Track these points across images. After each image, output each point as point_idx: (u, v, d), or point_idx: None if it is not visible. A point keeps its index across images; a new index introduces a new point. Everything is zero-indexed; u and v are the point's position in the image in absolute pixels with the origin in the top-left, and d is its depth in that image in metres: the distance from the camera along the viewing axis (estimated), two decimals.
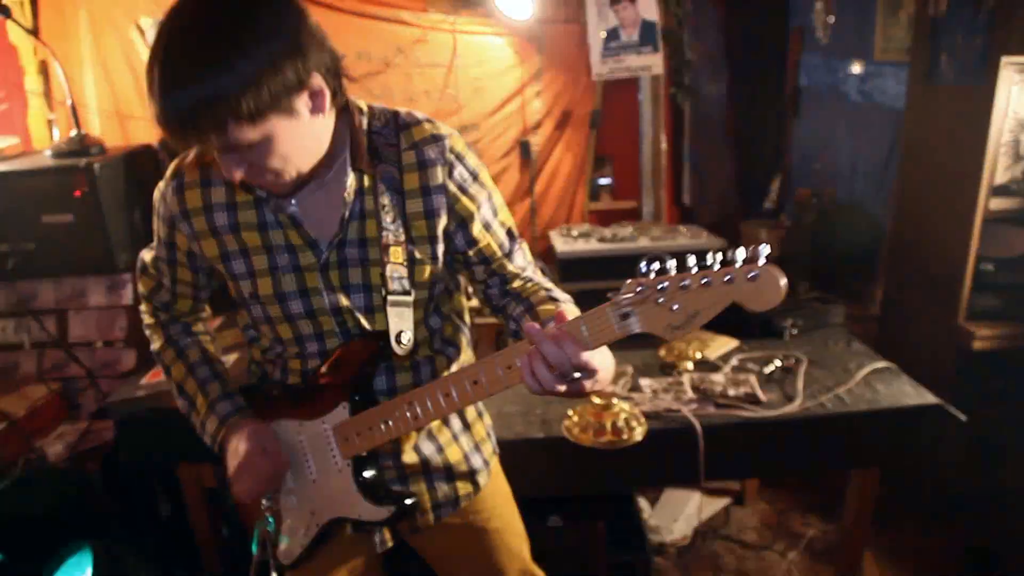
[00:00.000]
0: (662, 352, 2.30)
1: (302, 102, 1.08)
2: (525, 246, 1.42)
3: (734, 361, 2.26)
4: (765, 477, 3.13)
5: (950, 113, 2.77)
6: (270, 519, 1.39)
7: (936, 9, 2.78)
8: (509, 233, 1.37)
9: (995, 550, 2.78)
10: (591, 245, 2.60)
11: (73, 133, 2.34)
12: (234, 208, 1.26)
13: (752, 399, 2.03)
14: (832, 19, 4.54)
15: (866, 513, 2.20)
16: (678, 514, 3.07)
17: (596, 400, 1.94)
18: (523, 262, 1.39)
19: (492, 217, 1.34)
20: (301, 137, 1.12)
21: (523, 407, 2.05)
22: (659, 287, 0.95)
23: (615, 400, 1.96)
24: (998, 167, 2.63)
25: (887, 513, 3.03)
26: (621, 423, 1.91)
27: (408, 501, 1.34)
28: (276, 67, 1.02)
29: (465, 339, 1.48)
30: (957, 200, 2.71)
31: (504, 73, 2.96)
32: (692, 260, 0.94)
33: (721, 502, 3.21)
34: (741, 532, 3.04)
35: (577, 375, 1.04)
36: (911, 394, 2.03)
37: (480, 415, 1.55)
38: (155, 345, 1.47)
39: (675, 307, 0.95)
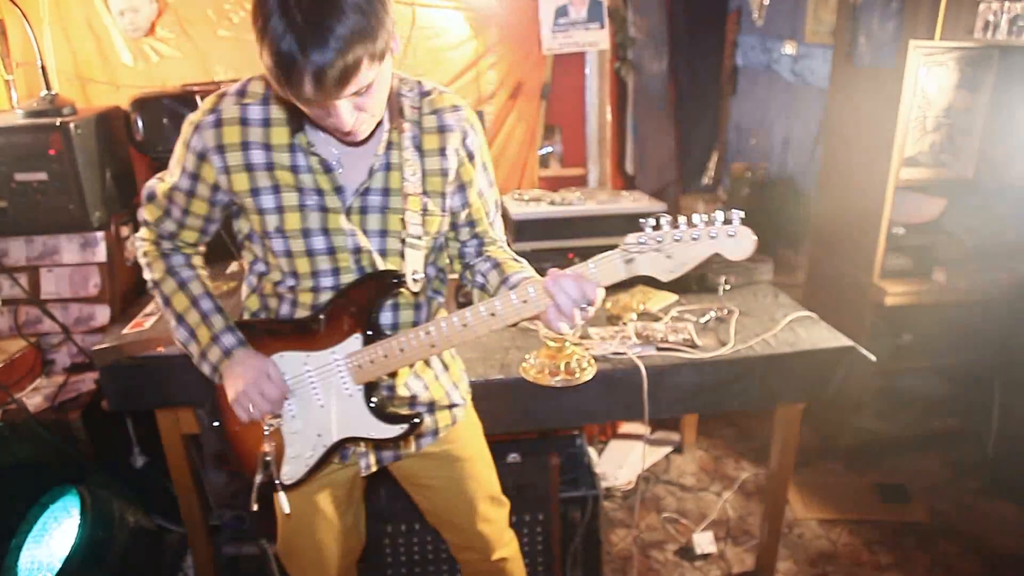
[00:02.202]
0: (608, 305, 2.48)
1: (390, 44, 1.19)
2: (501, 220, 1.63)
3: (673, 312, 2.47)
4: (702, 412, 3.37)
5: (867, 92, 3.03)
6: (267, 450, 1.49)
7: None
8: (496, 204, 1.59)
9: (906, 484, 3.11)
10: (542, 208, 2.77)
11: (44, 93, 2.39)
12: (270, 148, 1.35)
13: (690, 344, 2.25)
14: (767, 1, 4.78)
15: (790, 449, 2.43)
16: (623, 462, 3.30)
17: (551, 344, 2.13)
18: (501, 233, 1.61)
19: (487, 187, 1.54)
20: (388, 78, 1.25)
21: (483, 353, 2.22)
22: (658, 239, 1.22)
23: (567, 344, 2.15)
24: (908, 141, 2.90)
25: (812, 456, 3.33)
26: (573, 364, 2.09)
27: (416, 420, 1.47)
28: (387, 9, 1.14)
29: (446, 290, 1.66)
30: (873, 171, 2.97)
31: (460, 45, 3.10)
32: (683, 220, 1.22)
33: (663, 451, 3.45)
34: (681, 477, 3.29)
35: (586, 306, 1.27)
36: (828, 337, 2.27)
37: (453, 357, 1.74)
38: (155, 275, 1.50)
39: (670, 255, 1.23)
